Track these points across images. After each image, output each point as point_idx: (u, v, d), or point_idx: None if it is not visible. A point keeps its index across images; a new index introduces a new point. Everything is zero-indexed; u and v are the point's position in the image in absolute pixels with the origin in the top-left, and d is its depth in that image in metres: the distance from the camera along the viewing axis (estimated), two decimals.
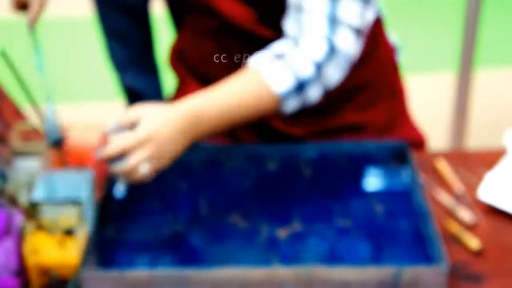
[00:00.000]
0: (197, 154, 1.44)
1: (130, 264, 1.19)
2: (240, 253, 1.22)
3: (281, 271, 1.13)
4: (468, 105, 2.54)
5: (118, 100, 2.89)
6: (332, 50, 1.26)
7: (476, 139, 2.77)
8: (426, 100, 3.02)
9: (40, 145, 1.32)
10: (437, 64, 3.31)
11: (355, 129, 1.54)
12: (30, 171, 1.24)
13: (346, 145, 1.45)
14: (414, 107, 1.70)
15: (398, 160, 1.43)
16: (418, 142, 1.60)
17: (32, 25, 1.32)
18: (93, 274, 1.13)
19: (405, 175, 1.39)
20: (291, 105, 1.26)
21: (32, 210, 1.16)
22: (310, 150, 1.44)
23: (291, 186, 1.37)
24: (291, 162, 1.43)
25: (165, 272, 1.13)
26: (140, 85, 2.75)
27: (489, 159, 1.46)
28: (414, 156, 1.42)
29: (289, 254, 1.21)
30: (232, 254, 1.22)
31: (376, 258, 1.20)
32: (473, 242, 1.23)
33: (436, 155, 1.48)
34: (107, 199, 1.32)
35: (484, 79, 3.13)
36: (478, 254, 1.22)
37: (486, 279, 1.17)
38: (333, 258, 1.20)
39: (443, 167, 1.42)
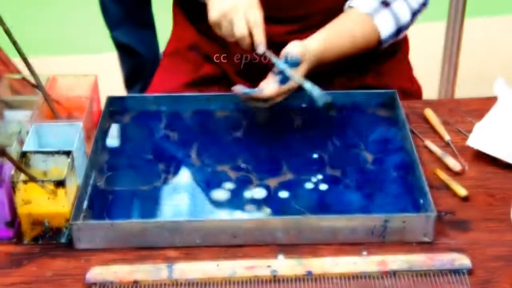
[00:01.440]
0: (188, 104, 1.45)
1: (121, 214, 1.20)
2: (230, 202, 1.23)
3: (271, 220, 1.15)
4: (457, 55, 2.54)
5: (110, 52, 2.87)
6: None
7: (466, 88, 2.78)
8: (417, 50, 3.02)
9: (31, 97, 1.32)
10: (428, 14, 3.29)
11: (359, 71, 1.56)
12: (21, 123, 1.24)
13: (335, 94, 1.45)
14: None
15: (387, 109, 1.44)
16: (415, 92, 1.61)
17: None
18: (85, 225, 1.14)
19: (394, 124, 1.40)
20: (386, 45, 1.46)
21: (23, 161, 1.17)
22: (300, 99, 1.45)
23: (281, 136, 1.37)
24: (281, 111, 1.43)
25: (157, 221, 1.14)
26: (133, 41, 2.74)
27: (479, 107, 1.47)
28: (404, 105, 1.42)
29: (279, 203, 1.22)
30: (222, 204, 1.23)
31: (366, 205, 1.21)
32: (460, 189, 1.24)
33: (426, 103, 1.48)
34: (97, 150, 1.33)
35: (474, 29, 3.12)
36: (465, 200, 1.23)
37: (472, 224, 1.19)
38: (322, 207, 1.21)
39: (432, 116, 1.42)
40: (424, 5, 1.48)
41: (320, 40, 1.37)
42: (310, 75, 1.36)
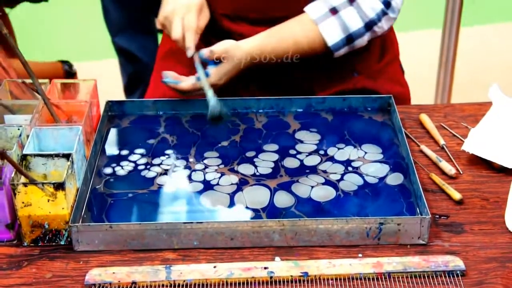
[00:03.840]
0: (185, 108, 1.46)
1: (120, 216, 1.21)
2: (227, 205, 1.24)
3: (268, 223, 1.16)
4: (453, 61, 2.56)
5: (110, 59, 2.89)
6: (386, 8, 1.45)
7: (462, 94, 2.80)
8: (414, 57, 3.04)
9: (31, 101, 1.34)
10: (424, 22, 3.32)
11: (348, 73, 1.58)
12: (21, 127, 1.25)
13: (332, 98, 1.47)
14: (402, 64, 1.72)
15: (383, 113, 1.46)
16: (404, 96, 1.62)
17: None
18: (84, 227, 1.16)
19: (389, 129, 1.41)
20: (341, 52, 1.47)
21: (23, 164, 1.18)
22: (296, 104, 1.46)
23: (278, 140, 1.39)
24: (277, 115, 1.45)
25: (155, 224, 1.16)
26: (134, 47, 2.75)
27: (473, 112, 1.49)
28: (399, 110, 1.44)
29: (276, 206, 1.23)
30: (219, 207, 1.24)
31: (362, 209, 1.22)
32: (455, 193, 1.26)
33: (421, 108, 1.50)
34: (97, 153, 1.34)
35: (468, 36, 3.14)
36: (459, 204, 1.25)
37: (466, 227, 1.20)
38: (319, 210, 1.22)
39: (428, 121, 1.44)
40: (384, 14, 1.45)
41: (254, 41, 1.44)
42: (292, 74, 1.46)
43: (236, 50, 1.42)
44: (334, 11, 1.44)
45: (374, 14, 1.45)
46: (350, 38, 1.45)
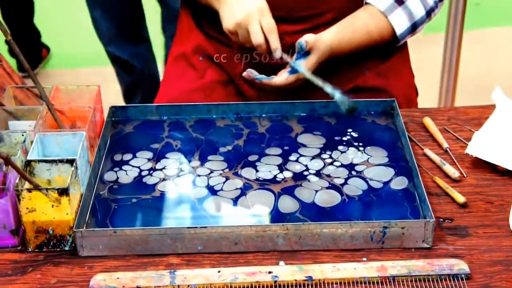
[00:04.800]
0: (189, 113, 1.46)
1: (124, 222, 1.21)
2: (231, 209, 1.24)
3: (272, 227, 1.16)
4: (457, 65, 2.56)
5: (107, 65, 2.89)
6: None
7: (464, 97, 2.80)
8: (417, 60, 3.04)
9: (35, 107, 1.34)
10: (427, 26, 3.31)
11: (359, 69, 1.60)
12: (25, 133, 1.25)
13: (334, 103, 1.47)
14: None
15: (386, 117, 1.46)
16: (409, 94, 1.63)
17: None
18: (88, 232, 1.16)
19: (393, 132, 1.41)
20: (404, 40, 1.56)
21: (27, 170, 1.19)
22: (299, 108, 1.46)
23: (281, 143, 1.39)
24: (281, 119, 1.45)
25: (159, 229, 1.16)
26: (128, 56, 2.75)
27: (477, 115, 1.49)
28: (403, 114, 1.44)
29: (280, 210, 1.23)
30: (223, 211, 1.24)
31: (366, 212, 1.22)
32: (459, 196, 1.26)
33: (425, 112, 1.50)
34: (100, 159, 1.34)
35: (471, 39, 3.14)
36: (464, 207, 1.25)
37: (471, 230, 1.20)
38: (323, 214, 1.22)
39: (431, 124, 1.44)
40: (440, 0, 1.55)
41: (333, 32, 1.48)
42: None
43: (320, 42, 1.46)
44: (399, 1, 1.52)
45: (433, 1, 1.54)
46: (414, 26, 1.54)
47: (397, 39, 1.54)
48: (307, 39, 1.44)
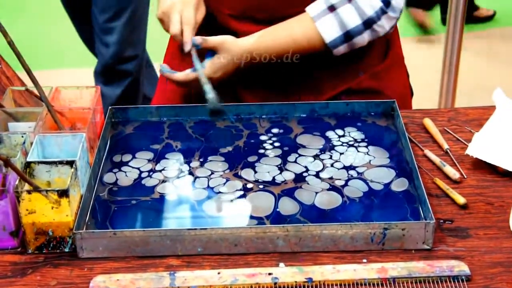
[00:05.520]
0: (189, 115, 1.46)
1: (124, 223, 1.21)
2: (231, 211, 1.24)
3: (272, 229, 1.16)
4: (457, 65, 2.56)
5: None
6: (386, 6, 1.44)
7: (465, 98, 2.80)
8: (417, 61, 3.04)
9: (34, 109, 1.34)
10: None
11: (353, 72, 1.58)
12: (25, 134, 1.25)
13: (334, 103, 1.47)
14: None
15: (386, 118, 1.46)
16: (404, 95, 1.63)
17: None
18: (88, 234, 1.16)
19: (393, 133, 1.41)
20: (340, 50, 1.47)
21: (27, 172, 1.19)
22: (300, 109, 1.46)
23: (281, 145, 1.39)
24: (281, 121, 1.45)
25: (159, 230, 1.16)
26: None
27: (477, 116, 1.48)
28: (403, 115, 1.44)
29: (281, 212, 1.23)
30: (223, 212, 1.24)
31: (366, 214, 1.22)
32: (459, 198, 1.25)
33: (425, 113, 1.50)
34: (100, 160, 1.34)
35: (472, 40, 3.14)
36: (464, 208, 1.25)
37: (471, 232, 1.20)
38: (323, 215, 1.22)
39: (431, 125, 1.44)
40: (384, 12, 1.44)
41: (254, 37, 1.46)
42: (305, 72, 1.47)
43: (233, 45, 1.44)
44: (332, 8, 1.44)
45: (373, 12, 1.44)
46: (348, 35, 1.45)
47: (329, 48, 1.45)
48: (209, 38, 1.43)
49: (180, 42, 1.45)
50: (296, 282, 1.11)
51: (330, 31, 1.44)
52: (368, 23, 1.44)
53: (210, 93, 1.39)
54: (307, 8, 1.46)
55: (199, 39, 1.43)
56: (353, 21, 1.44)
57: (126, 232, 1.16)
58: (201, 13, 1.48)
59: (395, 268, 1.12)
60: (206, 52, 1.45)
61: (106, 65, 2.69)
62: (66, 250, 1.18)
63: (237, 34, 1.49)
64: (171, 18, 1.45)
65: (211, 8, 1.52)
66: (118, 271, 1.14)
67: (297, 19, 1.47)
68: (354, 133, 1.42)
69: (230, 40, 1.44)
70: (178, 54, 1.62)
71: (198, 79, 1.42)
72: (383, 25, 1.46)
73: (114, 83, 2.72)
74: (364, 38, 1.46)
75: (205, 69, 1.43)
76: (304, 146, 1.38)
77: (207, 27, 1.56)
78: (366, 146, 1.38)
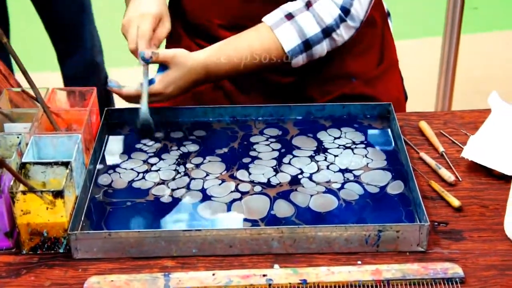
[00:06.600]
0: (185, 116, 1.46)
1: (119, 224, 1.21)
2: (226, 212, 1.24)
3: (267, 230, 1.16)
4: (454, 69, 2.56)
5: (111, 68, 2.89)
6: (345, 15, 1.41)
7: (461, 102, 2.80)
8: (414, 64, 3.04)
9: (30, 110, 1.34)
10: (425, 30, 3.32)
11: (346, 78, 1.57)
12: (20, 135, 1.25)
13: (331, 106, 1.47)
14: (403, 72, 1.73)
15: (382, 120, 1.46)
16: (398, 100, 1.63)
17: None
18: (83, 235, 1.16)
19: (388, 136, 1.41)
20: (300, 60, 1.43)
21: (22, 172, 1.19)
22: (295, 111, 1.47)
23: (277, 147, 1.39)
24: (277, 123, 1.45)
25: (154, 231, 1.16)
26: None
27: (473, 119, 1.49)
28: (399, 117, 1.44)
29: (276, 213, 1.23)
30: (218, 214, 1.24)
31: (361, 216, 1.22)
32: (454, 200, 1.26)
33: (421, 116, 1.50)
34: (96, 161, 1.34)
35: (469, 44, 3.15)
36: (459, 211, 1.25)
37: (465, 234, 1.20)
38: (318, 217, 1.22)
39: (427, 128, 1.44)
40: (342, 21, 1.42)
41: (209, 51, 1.41)
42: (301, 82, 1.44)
43: (186, 58, 1.37)
44: (289, 16, 1.42)
45: (332, 19, 1.41)
46: (307, 44, 1.42)
47: (288, 57, 1.42)
48: (159, 51, 1.37)
49: (136, 57, 1.39)
50: (290, 283, 1.11)
51: (289, 39, 1.41)
52: (327, 32, 1.42)
53: (144, 108, 1.35)
54: (264, 18, 1.43)
55: (148, 53, 1.36)
56: (312, 29, 1.41)
57: (121, 233, 1.16)
58: (164, 28, 1.42)
59: (390, 270, 1.12)
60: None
61: None
62: (61, 251, 1.17)
63: None
64: (129, 33, 1.39)
65: (201, 19, 1.52)
66: (112, 272, 1.14)
67: (254, 29, 1.43)
68: (350, 136, 1.42)
69: (182, 53, 1.37)
70: None
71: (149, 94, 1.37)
72: (342, 34, 1.43)
73: None
74: (323, 47, 1.43)
75: (154, 84, 1.37)
76: (299, 148, 1.39)
77: (198, 38, 1.56)
78: (362, 149, 1.38)
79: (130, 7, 1.43)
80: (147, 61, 1.37)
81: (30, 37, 2.63)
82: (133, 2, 1.43)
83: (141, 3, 1.41)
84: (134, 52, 1.39)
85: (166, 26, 1.43)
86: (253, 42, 1.41)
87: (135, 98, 1.38)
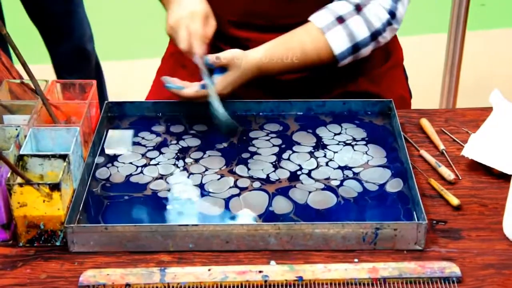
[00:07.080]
0: (185, 110, 1.46)
1: (116, 218, 1.21)
2: (224, 208, 1.24)
3: (264, 227, 1.15)
4: (459, 66, 2.55)
5: (112, 61, 2.88)
6: (392, 18, 1.44)
7: (466, 99, 2.79)
8: (419, 61, 3.03)
9: (29, 102, 1.34)
10: (430, 27, 3.31)
11: (351, 76, 1.57)
12: (19, 127, 1.25)
13: (331, 102, 1.47)
14: (407, 68, 1.72)
15: (383, 117, 1.45)
16: (403, 98, 1.62)
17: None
18: (79, 228, 1.16)
19: (389, 133, 1.41)
20: (346, 62, 1.46)
21: (19, 165, 1.18)
22: (296, 107, 1.46)
23: (277, 143, 1.38)
24: (278, 119, 1.45)
25: (151, 226, 1.15)
26: None
27: (475, 117, 1.48)
28: (399, 115, 1.44)
29: (273, 210, 1.23)
30: (216, 209, 1.24)
31: (359, 213, 1.22)
32: (453, 199, 1.25)
33: (422, 113, 1.49)
34: (95, 154, 1.34)
35: (474, 41, 3.13)
36: (458, 209, 1.24)
37: (464, 233, 1.19)
38: (316, 214, 1.22)
39: (428, 125, 1.43)
40: (389, 24, 1.44)
41: (262, 50, 1.43)
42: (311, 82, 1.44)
43: (243, 59, 1.40)
44: (340, 20, 1.43)
45: (380, 24, 1.43)
46: (356, 47, 1.44)
47: (336, 59, 1.44)
48: (221, 55, 1.39)
49: (190, 57, 1.41)
50: (286, 280, 1.10)
51: (339, 43, 1.43)
52: (375, 35, 1.44)
53: (222, 111, 1.37)
54: (313, 19, 1.44)
55: (212, 58, 1.38)
56: (362, 33, 1.43)
57: (117, 227, 1.15)
58: (210, 26, 1.43)
59: (386, 268, 1.11)
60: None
61: None
62: (57, 243, 1.17)
63: (239, 41, 1.48)
64: (179, 34, 1.40)
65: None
66: (108, 266, 1.13)
67: (304, 30, 1.44)
68: (350, 132, 1.41)
69: (239, 55, 1.40)
70: (174, 57, 1.61)
71: (208, 96, 1.38)
72: (386, 36, 1.46)
73: None
74: (368, 50, 1.46)
75: (216, 86, 1.39)
76: (299, 144, 1.38)
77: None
78: (362, 145, 1.38)
79: (174, 7, 1.42)
80: (212, 66, 1.39)
81: (30, 29, 2.61)
82: (176, 2, 1.42)
83: (187, 3, 1.42)
84: (187, 52, 1.40)
85: (212, 24, 1.44)
86: (305, 43, 1.43)
87: (195, 99, 1.40)
